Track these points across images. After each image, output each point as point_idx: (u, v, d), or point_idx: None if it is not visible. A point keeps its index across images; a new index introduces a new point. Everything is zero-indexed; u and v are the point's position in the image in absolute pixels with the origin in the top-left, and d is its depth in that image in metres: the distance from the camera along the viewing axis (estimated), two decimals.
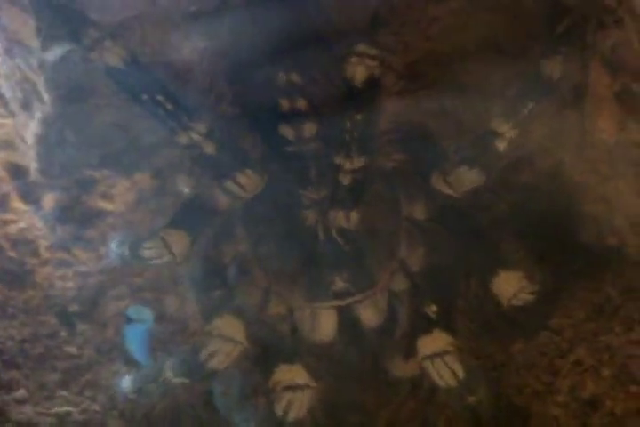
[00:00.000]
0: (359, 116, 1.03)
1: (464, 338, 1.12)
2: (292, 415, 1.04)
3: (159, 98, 1.02)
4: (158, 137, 1.10)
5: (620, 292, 1.19)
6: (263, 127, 1.12)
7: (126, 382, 1.09)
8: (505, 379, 1.20)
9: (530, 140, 1.13)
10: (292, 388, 1.05)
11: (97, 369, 1.18)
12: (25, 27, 1.07)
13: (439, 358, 1.06)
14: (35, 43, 1.07)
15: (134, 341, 1.20)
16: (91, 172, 1.15)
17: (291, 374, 1.06)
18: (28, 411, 1.15)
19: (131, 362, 1.18)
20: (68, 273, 1.21)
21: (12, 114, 1.15)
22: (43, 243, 1.21)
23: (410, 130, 1.16)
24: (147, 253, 1.06)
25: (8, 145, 1.18)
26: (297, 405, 1.05)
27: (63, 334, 1.20)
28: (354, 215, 1.09)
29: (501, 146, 1.07)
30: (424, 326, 1.09)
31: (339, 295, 1.09)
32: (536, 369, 1.19)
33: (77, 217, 1.20)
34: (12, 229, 1.20)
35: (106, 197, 1.19)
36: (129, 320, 1.20)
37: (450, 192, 1.10)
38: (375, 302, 1.11)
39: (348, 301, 1.09)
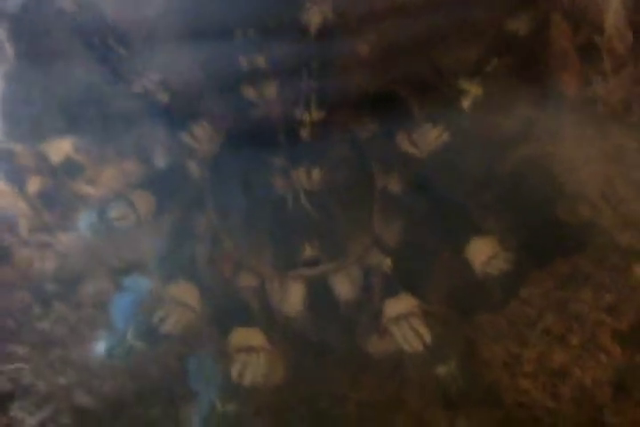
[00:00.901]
0: (315, 65, 1.02)
1: (432, 303, 1.10)
2: (247, 379, 1.03)
3: (110, 42, 1.01)
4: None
5: (591, 260, 1.16)
6: (224, 87, 1.10)
7: (98, 348, 1.10)
8: (473, 352, 1.17)
9: (493, 99, 1.12)
10: (246, 350, 1.04)
11: (68, 346, 1.19)
12: None
13: (404, 321, 1.03)
14: None
15: (119, 309, 1.18)
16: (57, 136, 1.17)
17: (247, 336, 1.04)
18: None
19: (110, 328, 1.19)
20: (49, 254, 1.22)
21: None
22: (24, 223, 1.23)
23: (378, 94, 1.16)
24: (113, 213, 1.07)
25: None
26: (252, 368, 1.03)
27: (37, 310, 1.20)
28: (315, 174, 1.06)
29: (466, 103, 1.06)
30: (391, 290, 1.07)
31: (308, 263, 1.07)
32: (505, 340, 1.16)
33: (62, 201, 1.22)
34: None
35: (92, 182, 1.21)
36: (122, 288, 1.20)
37: (415, 151, 1.09)
38: (349, 274, 1.09)
39: (319, 270, 1.08)
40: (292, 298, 1.09)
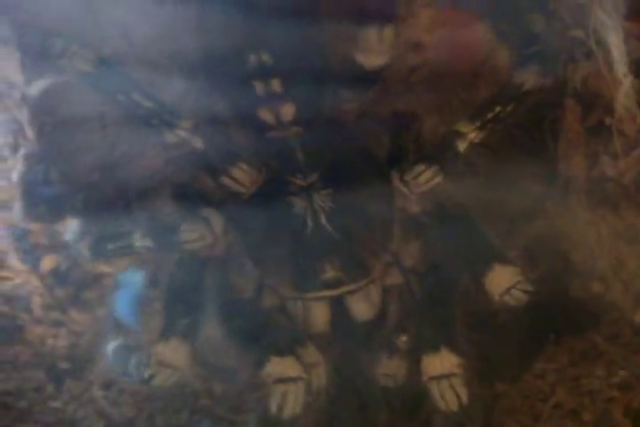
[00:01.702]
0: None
1: (467, 358, 1.06)
2: (287, 412, 1.01)
3: (135, 97, 1.00)
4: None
5: (605, 338, 1.17)
6: (242, 113, 1.09)
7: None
8: (490, 422, 1.18)
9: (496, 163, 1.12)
10: (284, 381, 1.01)
11: (80, 424, 1.20)
12: (9, 62, 1.08)
13: (446, 380, 1.02)
14: (19, 78, 1.09)
15: (124, 305, 1.19)
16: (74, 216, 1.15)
17: (283, 366, 1.02)
18: None
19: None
20: (62, 332, 1.23)
21: (4, 160, 1.16)
22: (37, 300, 1.23)
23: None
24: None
25: (8, 205, 1.19)
26: (291, 400, 1.01)
27: (50, 389, 1.21)
28: (335, 194, 1.06)
29: (462, 146, 1.05)
30: (431, 341, 1.04)
31: (329, 284, 1.06)
32: (517, 413, 1.17)
33: (76, 279, 1.23)
34: (7, 285, 1.22)
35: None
36: (120, 285, 1.21)
37: (405, 191, 1.08)
38: (368, 294, 1.08)
39: (340, 291, 1.06)
40: (317, 318, 1.08)
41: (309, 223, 1.06)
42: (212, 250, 1.08)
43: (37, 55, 1.05)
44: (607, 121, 1.10)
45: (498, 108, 1.04)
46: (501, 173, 1.11)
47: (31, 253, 1.23)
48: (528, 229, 1.17)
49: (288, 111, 1.06)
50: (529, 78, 1.04)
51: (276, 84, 1.05)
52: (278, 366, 1.02)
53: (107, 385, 1.21)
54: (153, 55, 1.07)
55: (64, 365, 1.23)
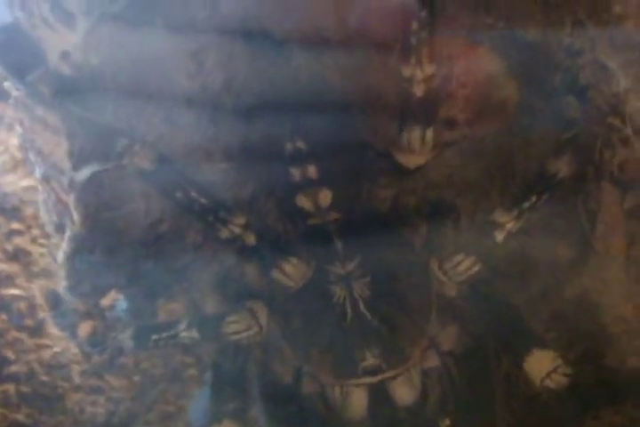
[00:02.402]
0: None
1: None
2: None
3: (193, 194, 1.03)
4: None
5: None
6: (282, 203, 1.11)
7: None
8: None
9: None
10: None
11: None
12: (58, 149, 1.11)
13: None
14: (67, 164, 1.11)
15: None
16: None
17: None
18: None
19: None
20: (100, 399, 1.26)
21: (47, 237, 1.20)
22: (76, 368, 1.26)
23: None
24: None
25: (47, 273, 1.23)
26: None
27: None
28: (374, 281, 1.08)
29: (500, 236, 1.08)
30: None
31: (369, 372, 1.08)
32: None
33: (111, 345, 1.22)
34: (47, 353, 1.25)
35: None
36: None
37: (444, 279, 1.10)
38: (409, 378, 1.10)
39: (380, 377, 1.08)
40: (355, 403, 1.09)
41: (349, 311, 1.08)
42: (255, 338, 1.11)
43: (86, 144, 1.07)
44: None
45: (534, 198, 1.07)
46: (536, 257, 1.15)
47: (69, 319, 1.24)
48: (563, 295, 1.19)
49: (325, 197, 1.08)
50: (563, 167, 1.06)
51: (312, 171, 1.07)
52: None
53: None
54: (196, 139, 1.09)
55: None
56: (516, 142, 1.13)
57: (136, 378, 1.25)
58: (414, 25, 0.98)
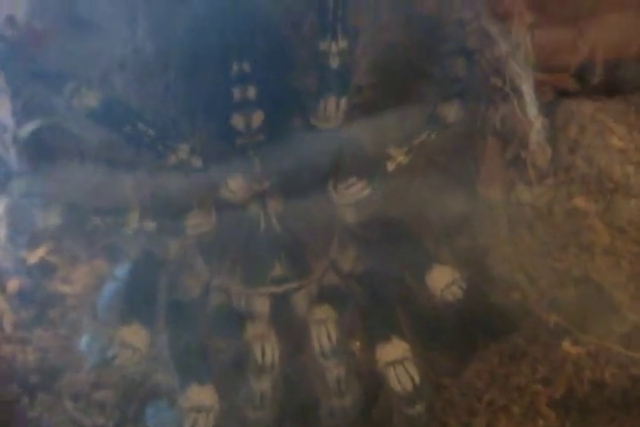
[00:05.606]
0: None
1: (414, 344, 1.21)
2: None
3: (141, 126, 1.14)
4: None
5: (526, 339, 1.34)
6: (219, 122, 1.21)
7: None
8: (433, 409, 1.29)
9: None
10: (197, 410, 1.11)
11: None
12: (2, 108, 1.21)
13: (400, 365, 1.15)
14: (10, 121, 1.21)
15: (103, 298, 1.29)
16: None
17: (200, 394, 1.12)
18: None
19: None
20: (29, 349, 1.31)
21: None
22: (8, 320, 1.31)
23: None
24: None
25: None
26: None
27: (25, 400, 1.27)
28: (287, 200, 1.20)
29: (391, 166, 1.22)
30: (381, 332, 1.18)
31: (276, 281, 1.19)
32: (456, 408, 1.32)
33: (39, 300, 1.32)
34: None
35: (65, 281, 1.32)
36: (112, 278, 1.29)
37: (336, 198, 1.23)
38: (309, 292, 1.20)
39: (285, 287, 1.19)
40: (259, 313, 1.18)
41: (262, 225, 1.19)
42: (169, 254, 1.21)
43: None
44: (522, 154, 1.32)
45: (423, 137, 1.23)
46: (427, 192, 1.30)
47: None
48: (454, 244, 1.35)
49: (258, 118, 1.20)
50: (451, 112, 1.23)
51: (252, 92, 1.19)
52: (196, 395, 1.12)
53: (76, 397, 1.28)
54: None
55: (34, 378, 1.29)
56: (412, 88, 1.31)
57: (62, 330, 1.31)
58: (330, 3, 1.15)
